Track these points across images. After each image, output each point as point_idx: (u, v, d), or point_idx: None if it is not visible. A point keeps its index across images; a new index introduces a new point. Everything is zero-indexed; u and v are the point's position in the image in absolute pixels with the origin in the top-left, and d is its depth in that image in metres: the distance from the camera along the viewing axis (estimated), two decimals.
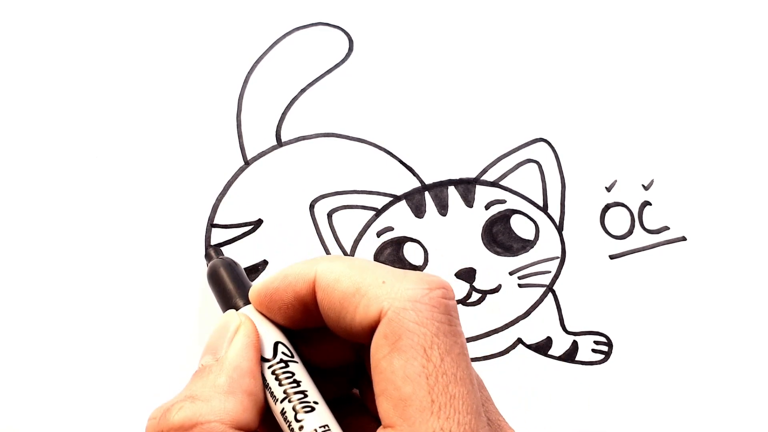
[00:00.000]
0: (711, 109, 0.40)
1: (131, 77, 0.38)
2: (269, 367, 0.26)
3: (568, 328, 0.38)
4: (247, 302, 0.29)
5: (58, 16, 0.39)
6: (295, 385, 0.25)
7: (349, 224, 0.38)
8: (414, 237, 0.38)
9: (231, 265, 0.32)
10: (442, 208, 0.38)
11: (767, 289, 0.39)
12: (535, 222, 0.39)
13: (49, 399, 0.36)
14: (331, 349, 0.27)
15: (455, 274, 0.38)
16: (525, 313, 0.38)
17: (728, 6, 0.41)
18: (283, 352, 0.26)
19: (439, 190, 0.38)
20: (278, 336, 0.27)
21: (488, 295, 0.38)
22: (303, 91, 0.39)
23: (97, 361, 0.36)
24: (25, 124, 0.38)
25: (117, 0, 0.39)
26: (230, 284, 0.31)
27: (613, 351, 0.38)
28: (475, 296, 0.38)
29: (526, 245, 0.38)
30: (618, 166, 0.40)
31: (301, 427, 0.24)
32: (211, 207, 0.37)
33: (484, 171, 0.39)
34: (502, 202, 0.39)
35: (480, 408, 0.23)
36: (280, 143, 0.38)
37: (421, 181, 0.38)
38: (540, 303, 0.38)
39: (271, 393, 0.25)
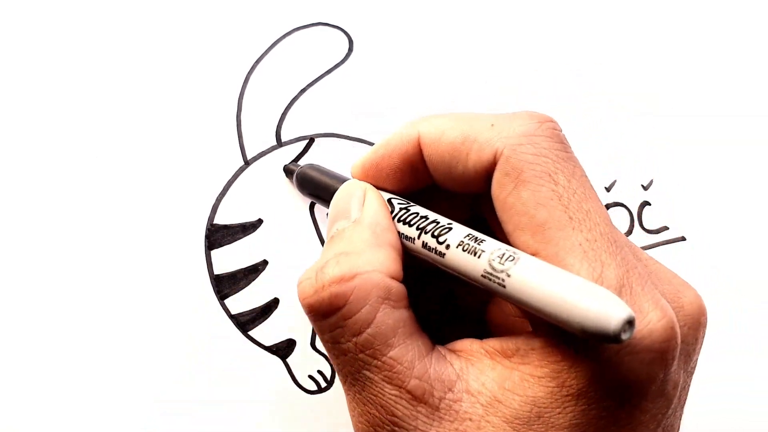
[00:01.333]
0: (710, 110, 0.40)
1: (131, 77, 0.38)
2: (395, 218, 0.26)
3: None
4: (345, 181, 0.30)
5: (58, 16, 0.38)
6: (424, 219, 0.26)
7: None
8: None
9: (313, 166, 0.35)
10: None
11: (767, 289, 0.39)
12: None
13: (49, 399, 0.36)
14: (440, 209, 0.27)
15: None
16: None
17: (728, 6, 0.41)
18: (399, 203, 0.27)
19: None
20: (388, 195, 0.28)
21: None
22: (303, 91, 0.39)
23: (97, 360, 0.36)
24: (24, 124, 0.38)
25: (117, 0, 0.39)
26: (325, 176, 0.33)
27: None
28: None
29: None
30: (618, 166, 0.40)
31: (447, 246, 0.24)
32: (211, 207, 0.37)
33: None
34: None
35: (611, 221, 0.24)
36: (280, 143, 0.38)
37: None
38: None
39: (407, 237, 0.26)
